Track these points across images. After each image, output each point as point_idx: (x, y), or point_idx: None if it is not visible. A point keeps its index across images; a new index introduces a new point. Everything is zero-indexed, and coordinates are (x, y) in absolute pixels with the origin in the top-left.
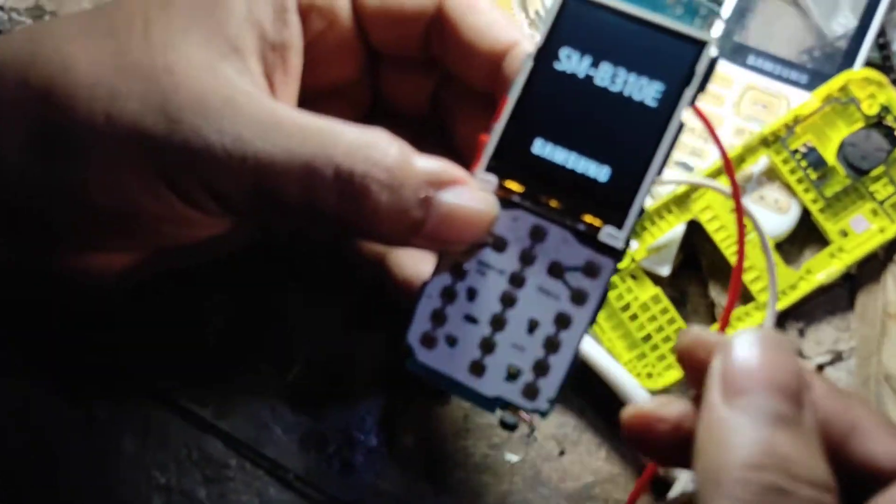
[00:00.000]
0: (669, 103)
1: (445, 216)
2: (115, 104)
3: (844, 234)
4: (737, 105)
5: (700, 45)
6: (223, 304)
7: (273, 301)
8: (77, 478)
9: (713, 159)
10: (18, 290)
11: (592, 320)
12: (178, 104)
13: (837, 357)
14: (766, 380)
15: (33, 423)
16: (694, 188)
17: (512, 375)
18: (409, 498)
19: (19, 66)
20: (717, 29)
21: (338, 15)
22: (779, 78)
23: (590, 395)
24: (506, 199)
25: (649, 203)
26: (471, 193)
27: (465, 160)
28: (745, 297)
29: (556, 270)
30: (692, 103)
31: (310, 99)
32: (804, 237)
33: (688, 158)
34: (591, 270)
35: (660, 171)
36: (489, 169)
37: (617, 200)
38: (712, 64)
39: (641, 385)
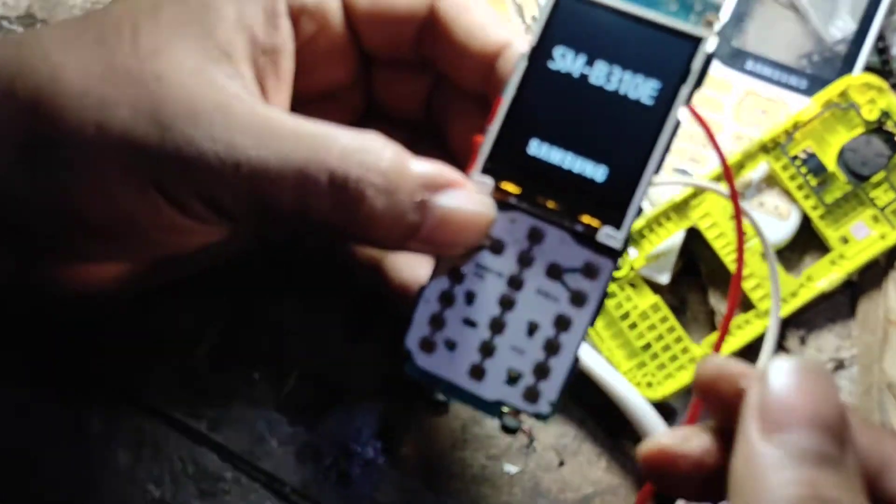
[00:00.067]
0: (666, 101)
1: (442, 220)
2: (105, 113)
3: (845, 240)
4: (736, 111)
5: (696, 41)
6: (217, 314)
7: (268, 311)
8: (69, 492)
9: (712, 166)
10: (8, 302)
11: (592, 322)
12: (169, 111)
13: (839, 365)
14: (807, 414)
15: (24, 435)
16: (693, 195)
17: (512, 379)
18: None
19: (5, 75)
20: (716, 22)
21: (329, 18)
22: (778, 83)
23: (589, 404)
24: (502, 201)
25: (648, 210)
26: (467, 196)
27: (460, 162)
28: (746, 304)
29: (554, 272)
30: (689, 100)
31: (302, 103)
32: (804, 244)
33: (687, 165)
34: (589, 271)
35: (657, 170)
36: (485, 171)
37: (615, 200)
38: (708, 60)
39: (641, 394)
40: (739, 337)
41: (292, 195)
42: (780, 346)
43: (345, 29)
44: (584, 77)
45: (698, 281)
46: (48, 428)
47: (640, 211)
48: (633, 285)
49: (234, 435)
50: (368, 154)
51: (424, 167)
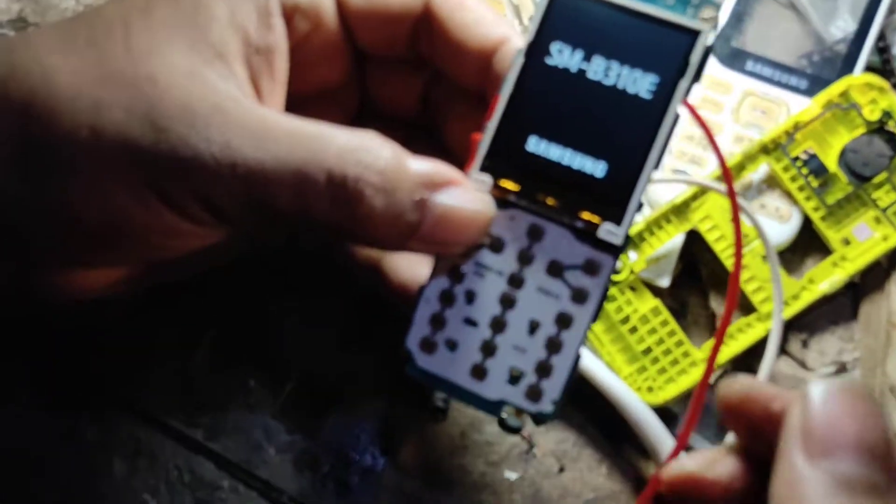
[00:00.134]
0: (664, 95)
1: (441, 218)
2: (99, 115)
3: (847, 242)
4: (735, 112)
5: (694, 34)
6: (212, 320)
7: (264, 317)
8: (65, 501)
9: (712, 167)
10: (5, 308)
11: (594, 319)
12: (164, 113)
13: (842, 368)
14: (854, 440)
15: (19, 444)
16: (693, 197)
17: (514, 378)
18: None
19: None
20: (711, 16)
21: (323, 17)
22: (778, 83)
23: (589, 410)
24: (502, 199)
25: (648, 213)
26: (466, 194)
27: (458, 160)
28: (747, 308)
29: (555, 269)
30: (687, 94)
31: (296, 103)
32: (806, 246)
33: (686, 166)
34: (590, 268)
35: (657, 165)
36: (483, 168)
37: (614, 196)
38: (706, 53)
39: (642, 399)
40: (741, 340)
41: (290, 196)
42: (782, 350)
43: (339, 27)
44: (581, 72)
45: (699, 284)
46: (43, 437)
47: (640, 206)
48: (633, 289)
49: (231, 443)
50: (366, 153)
51: (423, 165)
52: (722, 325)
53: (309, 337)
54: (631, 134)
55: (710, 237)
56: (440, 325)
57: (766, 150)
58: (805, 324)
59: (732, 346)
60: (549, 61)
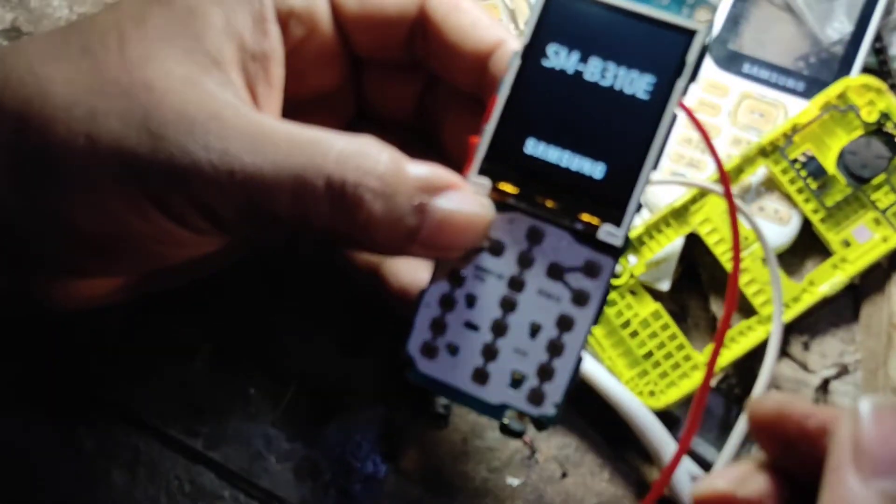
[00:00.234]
0: (662, 96)
1: (441, 222)
2: (96, 124)
3: (847, 244)
4: (733, 114)
5: (690, 34)
6: (211, 327)
7: (264, 324)
8: None
9: (711, 170)
10: (3, 316)
11: (595, 321)
12: (160, 120)
13: (844, 370)
14: None
15: (17, 454)
16: (692, 200)
17: (516, 381)
18: None
19: None
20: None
21: (318, 22)
22: (775, 86)
23: (591, 415)
24: (501, 202)
25: (647, 216)
26: (465, 198)
27: (455, 164)
28: (748, 310)
29: (555, 272)
30: (684, 94)
31: (292, 108)
32: (805, 248)
33: (685, 170)
34: (591, 270)
35: (655, 166)
36: (482, 172)
37: (614, 197)
38: (703, 53)
39: (644, 403)
40: (742, 343)
41: (289, 202)
42: (784, 352)
43: (334, 32)
44: (578, 74)
45: (699, 287)
46: (42, 446)
47: (639, 207)
48: (633, 293)
49: (232, 452)
50: (365, 158)
51: (421, 170)
52: (721, 328)
53: (309, 344)
54: (629, 135)
55: (710, 240)
56: (441, 330)
57: (765, 152)
58: (806, 326)
59: (734, 349)
60: (546, 63)
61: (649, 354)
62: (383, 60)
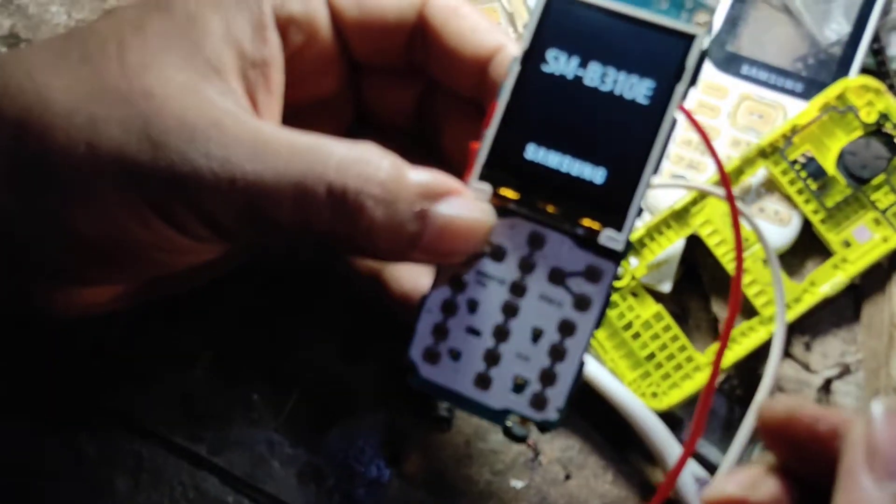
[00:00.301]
0: (661, 100)
1: (442, 228)
2: (96, 132)
3: (847, 244)
4: (732, 116)
5: (689, 38)
6: (213, 333)
7: (265, 329)
8: None
9: (711, 172)
10: (3, 330)
11: (597, 325)
12: (161, 128)
13: (845, 370)
14: None
15: (19, 461)
16: (693, 202)
17: (519, 386)
18: None
19: None
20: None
21: (317, 28)
22: (774, 87)
23: (594, 417)
24: (502, 207)
25: (648, 218)
26: (466, 203)
27: (455, 169)
28: (749, 312)
29: (556, 277)
30: (684, 98)
31: (291, 114)
32: (806, 249)
33: (685, 171)
34: (592, 275)
35: (656, 170)
36: (482, 177)
37: (614, 202)
38: (702, 57)
39: (647, 405)
40: (744, 344)
41: (291, 209)
42: (786, 353)
43: (333, 38)
44: (578, 79)
45: (700, 289)
46: (44, 454)
47: (640, 212)
48: (634, 294)
49: (235, 458)
50: (366, 165)
51: (422, 176)
52: (725, 333)
53: (311, 349)
54: (629, 139)
55: (711, 242)
56: (443, 335)
57: (765, 153)
58: (807, 326)
59: (736, 350)
60: (546, 68)
61: (651, 356)
62: (383, 66)
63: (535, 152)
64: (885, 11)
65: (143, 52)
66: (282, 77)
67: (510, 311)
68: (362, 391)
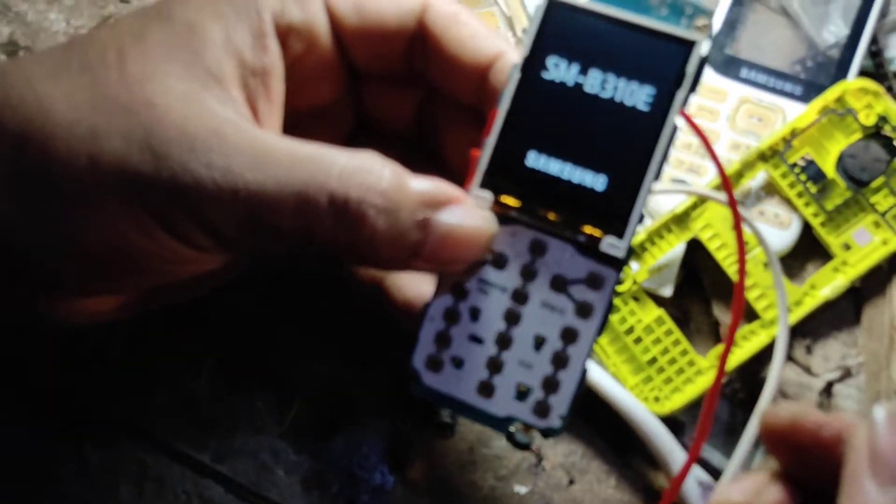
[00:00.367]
0: (662, 107)
1: (444, 237)
2: (97, 142)
3: (847, 247)
4: (731, 119)
5: (689, 45)
6: (216, 341)
7: (268, 337)
8: None
9: (711, 176)
10: (5, 338)
11: (599, 333)
12: (162, 138)
13: (846, 373)
14: None
15: (23, 469)
16: (693, 206)
17: (522, 394)
18: None
19: None
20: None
21: (317, 36)
22: (773, 90)
23: (597, 421)
24: (503, 215)
25: (648, 223)
26: (468, 212)
27: (455, 176)
28: (750, 315)
29: (558, 284)
30: (684, 105)
31: (291, 122)
32: (806, 252)
33: (685, 175)
34: (594, 282)
35: (657, 177)
36: (483, 185)
37: (616, 209)
38: (702, 63)
39: (649, 409)
40: (745, 348)
41: (293, 219)
42: (787, 356)
43: (333, 46)
44: (578, 86)
45: (701, 293)
46: (47, 462)
47: (641, 218)
48: (636, 299)
49: (239, 465)
50: (368, 174)
51: (424, 185)
52: (728, 339)
53: (314, 356)
54: (630, 146)
55: (712, 245)
56: (445, 343)
57: (764, 157)
58: (808, 329)
59: (737, 354)
60: (546, 75)
61: (653, 360)
62: (382, 73)
63: (535, 160)
64: (883, 13)
65: (144, 62)
66: (282, 85)
67: (512, 318)
68: (365, 398)
